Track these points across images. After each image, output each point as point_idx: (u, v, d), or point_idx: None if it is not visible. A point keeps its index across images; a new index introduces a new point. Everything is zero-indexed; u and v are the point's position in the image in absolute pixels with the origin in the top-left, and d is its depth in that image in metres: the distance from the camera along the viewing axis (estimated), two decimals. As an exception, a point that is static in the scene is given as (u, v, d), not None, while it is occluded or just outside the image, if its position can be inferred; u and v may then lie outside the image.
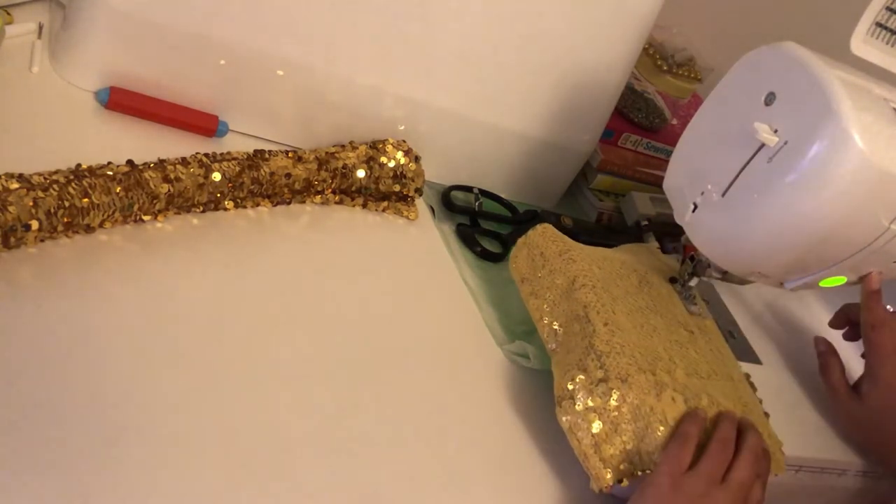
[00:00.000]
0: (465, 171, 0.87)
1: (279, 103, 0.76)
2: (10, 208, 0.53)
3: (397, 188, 0.78)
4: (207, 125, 0.73)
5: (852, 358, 0.85)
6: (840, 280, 0.70)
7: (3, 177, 0.55)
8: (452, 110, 0.82)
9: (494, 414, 0.67)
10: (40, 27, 0.72)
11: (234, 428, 0.54)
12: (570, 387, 0.62)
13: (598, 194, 0.97)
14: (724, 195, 0.65)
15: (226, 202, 0.68)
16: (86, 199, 0.57)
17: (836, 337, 0.86)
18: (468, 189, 0.87)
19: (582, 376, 0.62)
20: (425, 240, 0.80)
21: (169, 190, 0.62)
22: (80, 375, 0.51)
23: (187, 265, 0.62)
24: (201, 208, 0.66)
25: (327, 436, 0.57)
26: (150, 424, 0.51)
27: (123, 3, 0.67)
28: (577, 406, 0.61)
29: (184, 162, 0.65)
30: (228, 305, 0.61)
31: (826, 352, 0.83)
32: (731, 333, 0.89)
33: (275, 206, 0.72)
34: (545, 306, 0.69)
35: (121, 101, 0.70)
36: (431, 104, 0.81)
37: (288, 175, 0.70)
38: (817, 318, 1.01)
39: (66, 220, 0.56)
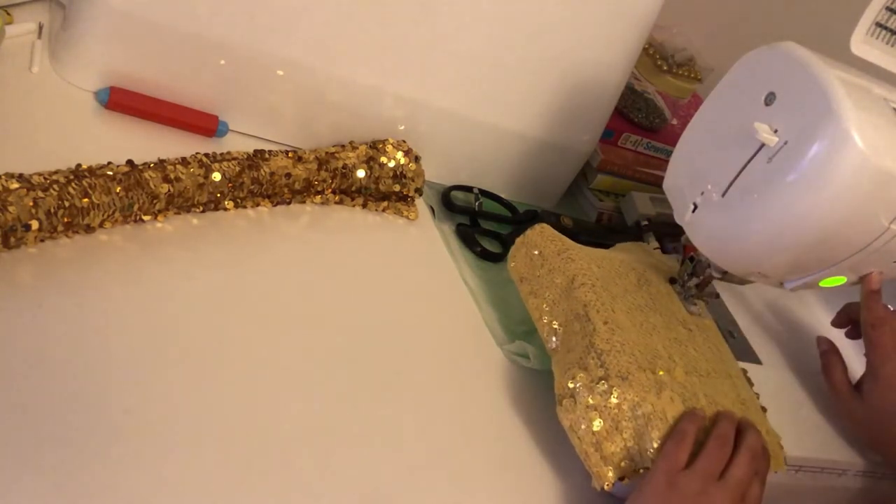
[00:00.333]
0: (465, 171, 0.87)
1: (279, 103, 0.76)
2: (10, 208, 0.53)
3: (397, 188, 0.78)
4: (207, 125, 0.73)
5: (855, 358, 0.85)
6: (840, 280, 0.70)
7: (3, 177, 0.55)
8: (452, 110, 0.82)
9: (494, 414, 0.67)
10: (40, 27, 0.72)
11: (235, 427, 0.54)
12: (571, 385, 0.62)
13: (598, 194, 0.97)
14: (724, 195, 0.65)
15: (226, 202, 0.68)
16: (86, 199, 0.57)
17: (838, 337, 0.86)
18: (468, 189, 0.87)
19: (582, 375, 0.62)
20: (425, 240, 0.80)
21: (169, 190, 0.62)
22: (80, 375, 0.51)
23: (187, 265, 0.62)
24: (201, 208, 0.66)
25: (327, 435, 0.57)
26: (151, 424, 0.51)
27: (123, 3, 0.67)
28: (577, 404, 0.62)
29: (184, 162, 0.65)
30: (228, 305, 0.61)
31: (828, 351, 0.82)
32: (731, 333, 0.89)
33: (275, 206, 0.72)
34: (545, 305, 0.69)
35: (121, 101, 0.70)
36: (431, 104, 0.81)
37: (288, 175, 0.70)
38: (817, 318, 1.01)
39: (66, 220, 0.56)
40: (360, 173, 0.75)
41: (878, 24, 0.70)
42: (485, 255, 0.80)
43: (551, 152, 0.90)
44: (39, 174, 0.57)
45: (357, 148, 0.77)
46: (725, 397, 0.68)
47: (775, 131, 0.62)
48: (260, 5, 0.70)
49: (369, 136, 0.79)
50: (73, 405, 0.49)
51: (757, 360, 0.88)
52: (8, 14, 0.70)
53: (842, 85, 0.59)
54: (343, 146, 0.77)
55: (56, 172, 0.58)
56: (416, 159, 0.79)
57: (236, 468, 0.52)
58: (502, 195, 0.90)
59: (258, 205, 0.70)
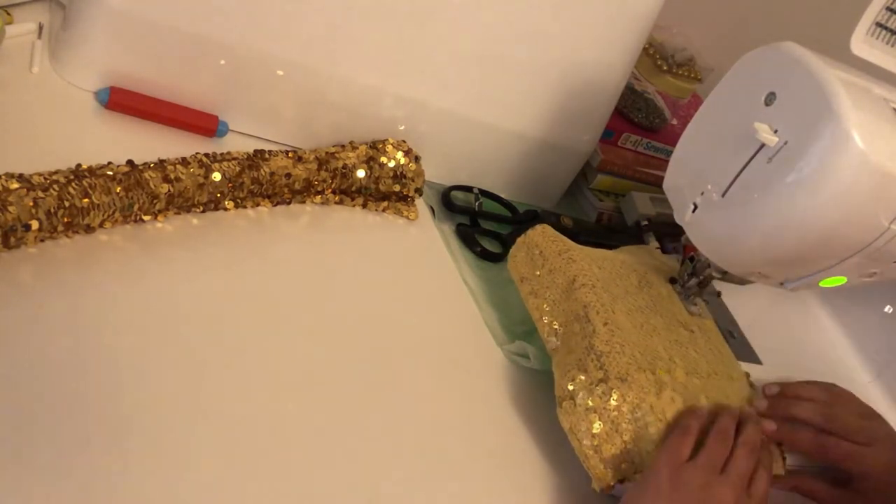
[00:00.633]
0: (465, 171, 0.87)
1: (279, 103, 0.76)
2: (11, 208, 0.53)
3: (397, 188, 0.78)
4: (207, 125, 0.73)
5: (855, 358, 0.85)
6: (840, 280, 0.70)
7: (3, 177, 0.55)
8: (452, 110, 0.82)
9: (494, 414, 0.67)
10: (40, 27, 0.72)
11: (235, 426, 0.54)
12: (571, 387, 0.62)
13: (598, 194, 0.97)
14: (724, 195, 0.65)
15: (226, 202, 0.68)
16: (86, 199, 0.57)
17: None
18: (468, 189, 0.87)
19: (582, 377, 0.62)
20: (425, 240, 0.80)
21: (169, 190, 0.62)
22: (79, 375, 0.51)
23: (187, 265, 0.62)
24: (201, 208, 0.66)
25: (327, 435, 0.57)
26: (151, 423, 0.51)
27: (123, 3, 0.67)
28: (577, 407, 0.62)
29: (184, 162, 0.65)
30: (228, 305, 0.61)
31: (798, 484, 0.71)
32: (731, 333, 0.89)
33: (275, 206, 0.72)
34: (545, 305, 0.69)
35: (121, 101, 0.70)
36: (431, 104, 0.81)
37: (288, 175, 0.70)
38: (817, 318, 1.01)
39: (66, 220, 0.56)
40: (360, 173, 0.75)
41: (878, 24, 0.70)
42: (485, 255, 0.80)
43: (551, 152, 0.90)
44: (39, 174, 0.57)
45: (357, 148, 0.77)
46: (727, 399, 0.67)
47: (775, 131, 0.62)
48: (260, 5, 0.70)
49: (369, 136, 0.79)
50: (73, 405, 0.49)
51: (757, 360, 0.88)
52: (8, 14, 0.70)
53: (842, 85, 0.59)
54: (343, 146, 0.77)
55: (56, 172, 0.58)
56: (416, 159, 0.79)
57: (236, 467, 0.52)
58: (502, 195, 0.90)
59: (258, 205, 0.70)
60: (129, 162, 0.62)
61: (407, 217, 0.80)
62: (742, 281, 0.75)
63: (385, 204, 0.79)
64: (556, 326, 0.68)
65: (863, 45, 0.70)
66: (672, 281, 0.78)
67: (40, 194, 0.55)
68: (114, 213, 0.60)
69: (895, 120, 0.61)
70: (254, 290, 0.64)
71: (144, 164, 0.63)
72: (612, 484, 0.60)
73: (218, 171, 0.66)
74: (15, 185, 0.54)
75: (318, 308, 0.66)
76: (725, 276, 0.74)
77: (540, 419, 0.68)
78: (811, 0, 1.16)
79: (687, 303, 0.76)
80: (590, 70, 0.85)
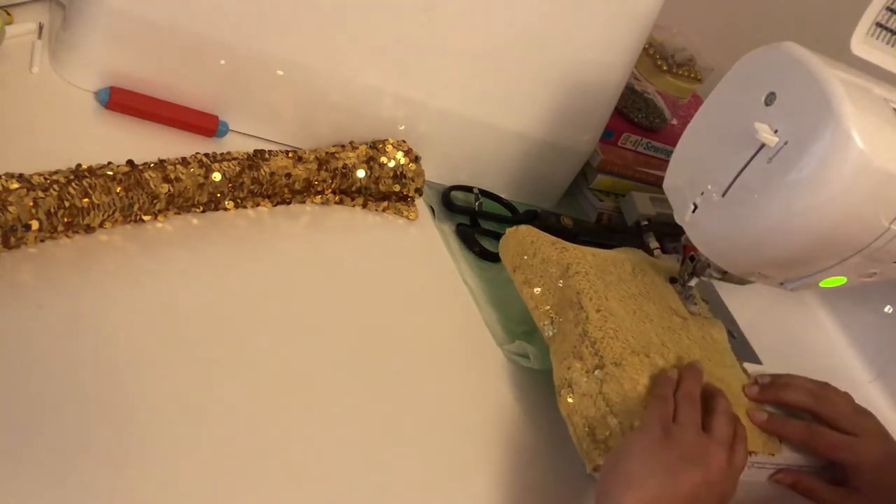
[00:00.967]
0: (465, 171, 0.87)
1: (279, 103, 0.76)
2: (11, 208, 0.53)
3: (397, 188, 0.78)
4: (207, 125, 0.73)
5: (855, 357, 0.85)
6: (840, 280, 0.70)
7: (3, 177, 0.55)
8: (452, 110, 0.82)
9: (494, 414, 0.67)
10: (40, 27, 0.72)
11: (234, 426, 0.54)
12: (568, 376, 0.63)
13: (598, 194, 0.97)
14: (724, 195, 0.65)
15: (226, 202, 0.68)
16: (86, 199, 0.57)
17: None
18: (468, 189, 0.87)
19: (578, 364, 0.63)
20: (425, 240, 0.80)
21: (169, 190, 0.62)
22: (80, 375, 0.51)
23: (187, 265, 0.62)
24: (201, 208, 0.66)
25: (328, 434, 0.57)
26: (151, 423, 0.51)
27: (123, 3, 0.67)
28: (574, 393, 0.62)
29: (184, 162, 0.65)
30: (228, 305, 0.61)
31: (797, 480, 0.69)
32: (731, 333, 0.89)
33: (275, 206, 0.72)
34: (539, 294, 0.69)
35: (121, 101, 0.70)
36: (431, 104, 0.81)
37: (288, 175, 0.70)
38: (817, 318, 1.01)
39: (66, 220, 0.56)
40: (360, 173, 0.75)
41: (878, 25, 0.70)
42: (484, 255, 0.80)
43: (551, 152, 0.90)
44: (39, 174, 0.57)
45: (357, 148, 0.77)
46: (720, 383, 0.68)
47: (775, 131, 0.62)
48: (260, 5, 0.70)
49: (369, 136, 0.79)
50: (73, 405, 0.49)
51: (757, 360, 0.88)
52: (8, 14, 0.70)
53: (842, 85, 0.59)
54: (343, 146, 0.77)
55: (56, 172, 0.58)
56: (416, 159, 0.79)
57: (236, 467, 0.52)
58: (502, 195, 0.90)
59: (258, 205, 0.70)
60: (129, 162, 0.62)
61: (407, 217, 0.80)
62: (742, 281, 0.76)
63: (385, 204, 0.79)
64: (550, 314, 0.68)
65: (863, 45, 0.70)
66: (672, 281, 0.78)
67: (40, 194, 0.55)
68: (114, 213, 0.60)
69: (895, 120, 0.61)
70: (254, 290, 0.64)
71: (144, 164, 0.63)
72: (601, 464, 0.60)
73: (218, 171, 0.66)
74: (15, 185, 0.54)
75: (318, 308, 0.66)
76: (725, 276, 0.74)
77: (540, 419, 0.68)
78: (811, 0, 1.16)
79: (687, 302, 0.76)
80: (590, 70, 0.85)
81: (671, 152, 0.73)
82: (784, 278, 0.70)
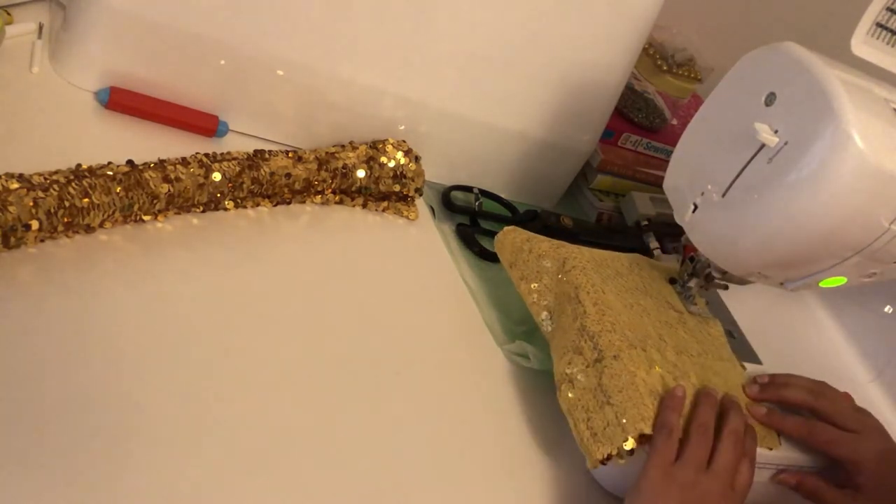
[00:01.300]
0: (465, 171, 0.87)
1: (279, 103, 0.76)
2: (11, 208, 0.53)
3: (397, 188, 0.78)
4: (207, 125, 0.73)
5: (854, 357, 0.85)
6: (840, 280, 0.70)
7: (3, 177, 0.55)
8: (452, 110, 0.82)
9: (494, 414, 0.67)
10: (40, 27, 0.72)
11: (234, 426, 0.54)
12: (568, 370, 0.64)
13: (598, 194, 0.97)
14: (724, 195, 0.65)
15: (226, 202, 0.68)
16: (86, 199, 0.57)
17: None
18: (468, 189, 0.87)
19: (578, 358, 0.64)
20: (425, 240, 0.80)
21: (169, 190, 0.62)
22: (80, 375, 0.51)
23: (187, 265, 0.62)
24: (201, 208, 0.66)
25: (328, 435, 0.57)
26: (150, 424, 0.51)
27: (123, 3, 0.67)
28: (574, 388, 0.63)
29: (184, 162, 0.65)
30: (228, 305, 0.61)
31: (802, 481, 0.69)
32: (731, 333, 0.89)
33: (275, 206, 0.72)
34: (537, 289, 0.69)
35: (121, 101, 0.70)
36: (431, 104, 0.81)
37: (288, 175, 0.70)
38: (817, 318, 1.01)
39: (66, 220, 0.56)
40: (360, 173, 0.75)
41: (879, 25, 0.70)
42: (484, 255, 0.80)
43: (551, 152, 0.90)
44: (39, 174, 0.57)
45: (357, 148, 0.77)
46: (717, 376, 0.68)
47: (775, 131, 0.62)
48: (260, 5, 0.70)
49: (369, 136, 0.79)
50: (73, 405, 0.49)
51: (757, 360, 0.87)
52: (8, 14, 0.70)
53: (842, 85, 0.59)
54: (343, 146, 0.77)
55: (56, 172, 0.58)
56: (416, 159, 0.79)
57: (236, 467, 0.52)
58: (502, 195, 0.90)
59: (258, 205, 0.70)
60: (129, 162, 0.62)
61: (407, 217, 0.80)
62: (742, 281, 0.75)
63: (385, 204, 0.79)
64: (549, 309, 0.68)
65: (863, 45, 0.70)
66: (672, 281, 0.78)
67: (40, 194, 0.55)
68: (114, 213, 0.60)
69: (895, 120, 0.61)
70: (254, 290, 0.64)
71: (144, 164, 0.63)
72: (600, 459, 0.60)
73: (218, 171, 0.66)
74: (15, 185, 0.54)
75: (318, 308, 0.66)
76: (725, 276, 0.74)
77: (540, 419, 0.68)
78: (811, 0, 1.16)
79: (687, 302, 0.76)
80: (590, 70, 0.85)
81: (671, 152, 0.73)
82: (784, 278, 0.70)
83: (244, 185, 0.68)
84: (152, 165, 0.63)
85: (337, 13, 0.73)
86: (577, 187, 0.97)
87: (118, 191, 0.59)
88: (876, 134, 0.59)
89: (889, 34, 0.71)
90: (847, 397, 0.71)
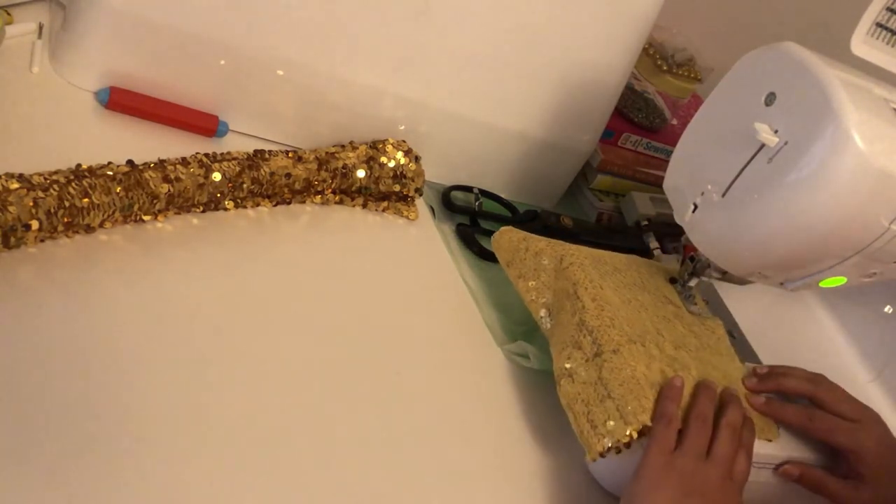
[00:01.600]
0: (465, 171, 0.87)
1: (279, 103, 0.76)
2: (11, 208, 0.53)
3: (397, 188, 0.78)
4: (207, 125, 0.73)
5: (853, 359, 0.85)
6: (840, 280, 0.70)
7: (3, 177, 0.55)
8: (452, 110, 0.82)
9: (494, 414, 0.67)
10: (40, 27, 0.72)
11: (234, 427, 0.54)
12: (568, 365, 0.64)
13: (598, 194, 0.97)
14: (724, 195, 0.65)
15: (226, 202, 0.68)
16: (86, 199, 0.57)
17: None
18: (468, 189, 0.87)
19: (577, 353, 0.64)
20: (425, 240, 0.80)
21: (169, 190, 0.62)
22: (79, 375, 0.51)
23: (187, 265, 0.62)
24: (201, 208, 0.66)
25: (327, 435, 0.57)
26: (151, 423, 0.51)
27: (123, 3, 0.67)
28: (574, 383, 0.63)
29: (184, 162, 0.65)
30: (228, 305, 0.61)
31: (804, 473, 0.68)
32: (731, 333, 0.89)
33: (275, 206, 0.72)
34: (534, 286, 0.70)
35: (121, 101, 0.70)
36: (431, 104, 0.81)
37: (288, 175, 0.70)
38: (817, 318, 1.01)
39: (66, 220, 0.56)
40: (360, 173, 0.75)
41: (878, 25, 0.70)
42: (484, 255, 0.80)
43: (551, 152, 0.90)
44: (39, 174, 0.57)
45: (357, 148, 0.77)
46: (716, 370, 0.68)
47: (775, 131, 0.62)
48: (260, 5, 0.70)
49: (369, 136, 0.79)
50: (73, 405, 0.49)
51: (757, 360, 0.87)
52: (8, 14, 0.70)
53: (842, 85, 0.59)
54: (343, 146, 0.77)
55: (56, 172, 0.58)
56: (416, 159, 0.79)
57: (235, 468, 0.52)
58: (502, 195, 0.90)
59: (258, 205, 0.70)
60: (129, 162, 0.62)
61: (407, 217, 0.80)
62: (742, 281, 0.76)
63: (385, 204, 0.79)
64: (547, 306, 0.69)
65: (863, 45, 0.70)
66: (672, 281, 0.78)
67: (40, 194, 0.55)
68: (114, 213, 0.60)
69: (895, 120, 0.61)
70: (254, 291, 0.64)
71: (144, 164, 0.63)
72: (601, 451, 0.60)
73: (218, 171, 0.66)
74: (15, 185, 0.54)
75: (318, 308, 0.66)
76: (725, 276, 0.74)
77: (540, 419, 0.68)
78: (811, 0, 1.16)
79: (687, 302, 0.76)
80: (590, 70, 0.85)
81: (671, 152, 0.73)
82: (784, 278, 0.70)
83: (244, 185, 0.68)
84: (152, 165, 0.63)
85: (337, 13, 0.73)
86: (577, 187, 0.97)
87: (118, 191, 0.59)
88: (876, 134, 0.59)
89: (889, 34, 0.71)
90: (843, 390, 0.71)
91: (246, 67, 0.73)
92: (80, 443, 0.48)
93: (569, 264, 0.69)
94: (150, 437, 0.50)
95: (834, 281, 0.70)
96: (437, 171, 0.85)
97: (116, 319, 0.55)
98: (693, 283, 0.76)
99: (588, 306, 0.66)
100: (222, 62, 0.72)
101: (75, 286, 0.56)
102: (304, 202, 0.74)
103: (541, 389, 0.69)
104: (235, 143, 0.75)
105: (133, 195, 0.60)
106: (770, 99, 0.63)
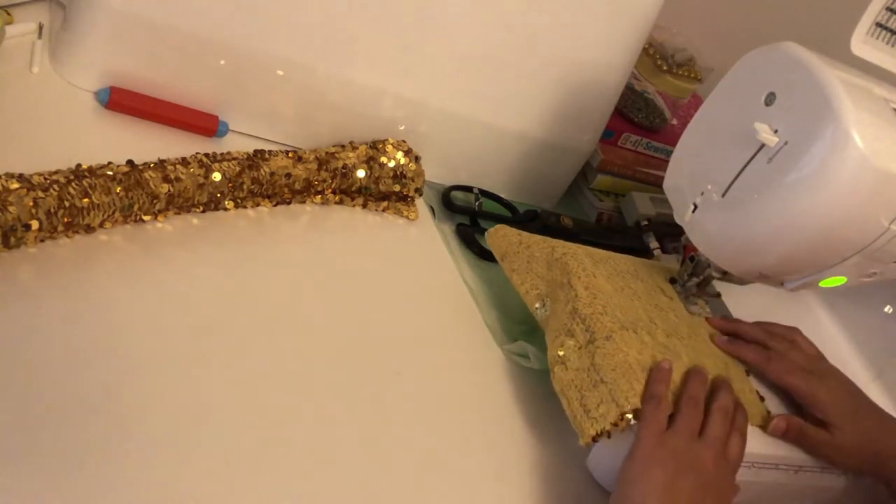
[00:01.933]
0: (465, 171, 0.87)
1: (279, 103, 0.76)
2: (11, 208, 0.53)
3: (397, 188, 0.78)
4: (207, 125, 0.73)
5: (854, 357, 0.85)
6: (840, 280, 0.70)
7: (3, 177, 0.55)
8: (452, 110, 0.82)
9: (494, 414, 0.67)
10: (40, 27, 0.72)
11: (234, 428, 0.54)
12: (561, 352, 0.64)
13: (598, 194, 0.97)
14: (724, 195, 0.65)
15: (226, 202, 0.68)
16: (86, 199, 0.57)
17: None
18: (468, 189, 0.87)
19: (570, 341, 0.64)
20: (425, 240, 0.80)
21: (169, 190, 0.62)
22: (79, 375, 0.51)
23: (187, 265, 0.62)
24: (201, 208, 0.66)
25: (327, 435, 0.57)
26: (151, 423, 0.51)
27: (124, 3, 0.67)
28: (567, 370, 0.63)
29: (184, 162, 0.65)
30: (228, 305, 0.61)
31: (790, 426, 0.69)
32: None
33: (275, 206, 0.72)
34: (528, 278, 0.70)
35: (121, 101, 0.70)
36: (431, 104, 0.81)
37: (288, 175, 0.70)
38: (817, 318, 1.01)
39: (66, 220, 0.56)
40: (360, 173, 0.75)
41: (878, 25, 0.70)
42: (484, 255, 0.80)
43: (551, 152, 0.90)
44: (39, 174, 0.57)
45: (357, 148, 0.77)
46: (707, 357, 0.68)
47: (775, 131, 0.62)
48: (260, 5, 0.70)
49: (369, 136, 0.79)
50: (73, 405, 0.49)
51: (757, 360, 0.87)
52: (8, 14, 0.70)
53: (842, 85, 0.59)
54: (343, 146, 0.77)
55: (56, 172, 0.58)
56: (416, 159, 0.79)
57: (235, 468, 0.52)
58: (502, 195, 0.90)
59: (258, 205, 0.70)
60: (129, 162, 0.62)
61: (407, 217, 0.80)
62: (742, 281, 0.76)
63: (385, 204, 0.79)
64: (541, 298, 0.69)
65: (863, 45, 0.70)
66: (672, 281, 0.78)
67: (40, 194, 0.55)
68: (114, 213, 0.60)
69: (895, 120, 0.61)
70: (254, 291, 0.64)
71: (144, 164, 0.63)
72: (593, 435, 0.60)
73: (218, 171, 0.66)
74: (15, 185, 0.54)
75: (318, 308, 0.66)
76: (725, 276, 0.74)
77: (540, 418, 0.68)
78: (811, 0, 1.16)
79: (687, 302, 0.76)
80: (590, 70, 0.85)
81: (671, 152, 0.73)
82: (784, 278, 0.70)
83: (244, 185, 0.68)
84: (152, 165, 0.63)
85: (337, 13, 0.73)
86: (577, 187, 0.97)
87: (118, 191, 0.59)
88: (876, 134, 0.59)
89: (889, 34, 0.71)
90: (802, 346, 0.75)
91: (246, 67, 0.73)
92: (80, 443, 0.48)
93: (562, 254, 0.70)
94: (150, 437, 0.50)
95: (834, 281, 0.70)
96: (437, 171, 0.85)
97: (116, 319, 0.55)
98: (693, 282, 0.76)
99: (581, 294, 0.66)
100: (222, 62, 0.72)
101: (75, 286, 0.56)
102: (304, 202, 0.74)
103: (541, 389, 0.69)
104: (235, 143, 0.75)
105: (133, 195, 0.60)
106: (770, 99, 0.63)
